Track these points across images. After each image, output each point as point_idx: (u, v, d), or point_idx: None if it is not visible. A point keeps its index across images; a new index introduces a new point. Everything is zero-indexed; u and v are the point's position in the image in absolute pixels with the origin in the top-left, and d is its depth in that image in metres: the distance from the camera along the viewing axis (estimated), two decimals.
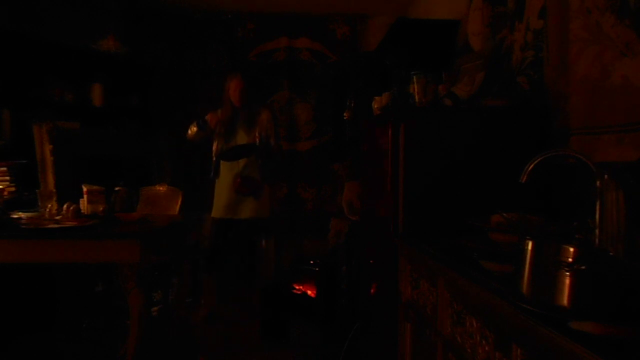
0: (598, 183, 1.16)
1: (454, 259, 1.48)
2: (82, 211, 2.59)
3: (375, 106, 2.44)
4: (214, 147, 3.57)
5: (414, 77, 2.07)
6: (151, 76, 4.38)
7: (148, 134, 4.31)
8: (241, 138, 3.50)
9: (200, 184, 4.03)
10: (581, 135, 1.81)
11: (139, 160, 4.15)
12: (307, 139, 4.70)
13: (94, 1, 4.09)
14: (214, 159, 3.57)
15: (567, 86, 1.89)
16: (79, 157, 3.38)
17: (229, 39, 4.61)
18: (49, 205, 2.64)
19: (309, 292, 3.70)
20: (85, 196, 2.63)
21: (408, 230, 1.98)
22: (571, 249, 1.01)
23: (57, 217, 2.54)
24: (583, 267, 0.98)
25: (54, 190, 2.95)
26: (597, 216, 1.15)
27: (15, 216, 2.55)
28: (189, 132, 3.49)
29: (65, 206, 2.55)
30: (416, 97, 2.06)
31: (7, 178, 3.04)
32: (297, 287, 3.78)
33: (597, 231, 1.15)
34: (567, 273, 1.00)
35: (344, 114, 3.81)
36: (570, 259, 1.00)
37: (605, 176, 1.15)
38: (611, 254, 1.11)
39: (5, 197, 2.91)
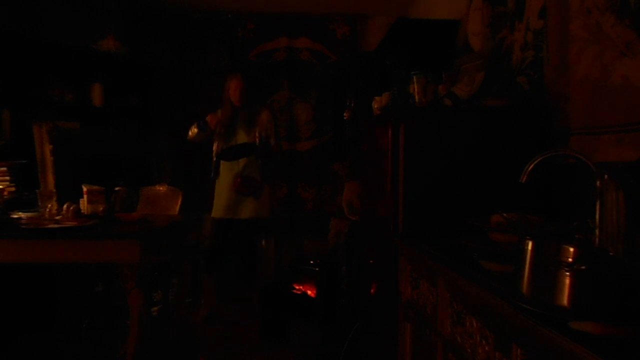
0: (598, 183, 1.16)
1: (454, 259, 1.48)
2: (82, 211, 2.59)
3: (375, 106, 2.44)
4: (214, 147, 3.57)
5: (414, 77, 2.07)
6: (151, 76, 4.38)
7: (148, 134, 4.31)
8: (241, 138, 3.51)
9: (200, 184, 4.03)
10: (581, 135, 1.81)
11: (139, 160, 4.15)
12: (307, 139, 4.70)
13: (94, 1, 4.09)
14: (214, 159, 3.57)
15: (567, 86, 1.89)
16: (79, 157, 3.38)
17: (229, 39, 4.61)
18: (49, 205, 2.64)
19: (309, 292, 3.70)
20: (85, 196, 2.63)
21: (408, 230, 1.98)
22: (571, 249, 1.01)
23: (57, 217, 2.54)
24: (583, 267, 0.98)
25: (54, 190, 2.95)
26: (597, 216, 1.15)
27: (15, 216, 2.55)
28: (190, 133, 3.51)
29: (65, 206, 2.55)
30: (416, 97, 2.06)
31: (7, 178, 3.04)
32: (297, 287, 3.78)
33: (597, 231, 1.15)
34: (567, 273, 1.00)
35: (344, 114, 3.81)
36: (570, 259, 1.00)
37: (605, 176, 1.15)
38: (611, 254, 1.11)
39: (5, 197, 2.91)
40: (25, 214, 2.60)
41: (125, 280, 2.33)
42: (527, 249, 1.12)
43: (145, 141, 4.27)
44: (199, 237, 3.72)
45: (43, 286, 3.23)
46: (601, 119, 1.70)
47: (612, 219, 1.13)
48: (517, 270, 1.14)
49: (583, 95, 1.80)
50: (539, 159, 1.25)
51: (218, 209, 3.55)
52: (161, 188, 3.51)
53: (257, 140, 3.48)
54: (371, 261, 2.48)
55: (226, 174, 3.51)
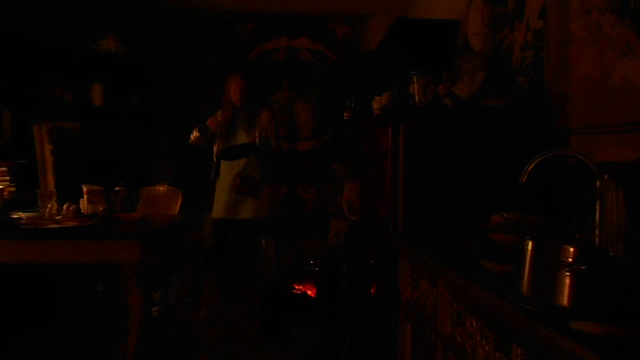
0: (598, 183, 1.16)
1: (454, 259, 1.48)
2: (82, 211, 2.59)
3: (375, 106, 2.44)
4: (215, 148, 3.58)
5: (414, 77, 2.07)
6: (151, 76, 4.38)
7: (148, 134, 4.31)
8: (241, 138, 3.51)
9: (200, 184, 4.03)
10: (581, 135, 1.81)
11: (139, 160, 4.15)
12: (307, 139, 4.70)
13: (94, 1, 4.09)
14: (215, 159, 3.58)
15: (567, 86, 1.89)
16: (79, 157, 3.38)
17: (229, 39, 4.61)
18: (49, 205, 2.63)
19: (309, 292, 3.70)
20: (85, 196, 2.63)
21: (408, 230, 1.98)
22: (571, 249, 1.01)
23: (57, 217, 2.53)
24: (583, 267, 0.98)
25: (54, 190, 2.95)
26: (597, 216, 1.15)
27: (15, 216, 2.55)
28: (191, 137, 3.54)
29: (65, 206, 2.54)
30: (416, 97, 2.06)
31: (7, 178, 3.04)
32: (297, 287, 3.78)
33: (597, 231, 1.15)
34: (567, 273, 1.00)
35: (344, 114, 3.81)
36: (570, 259, 1.00)
37: (605, 176, 1.15)
38: (611, 254, 1.11)
39: (5, 197, 2.91)
40: (25, 214, 2.59)
41: (125, 280, 2.33)
42: (527, 249, 1.12)
43: (145, 141, 4.27)
44: (199, 237, 3.72)
45: (43, 286, 3.23)
46: (601, 119, 1.70)
47: (612, 219, 1.13)
48: (517, 270, 1.14)
49: (583, 95, 1.80)
50: (539, 159, 1.25)
51: (218, 210, 3.55)
52: (161, 188, 3.50)
53: (257, 140, 3.49)
54: (371, 261, 2.48)
55: (226, 174, 3.52)
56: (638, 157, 1.49)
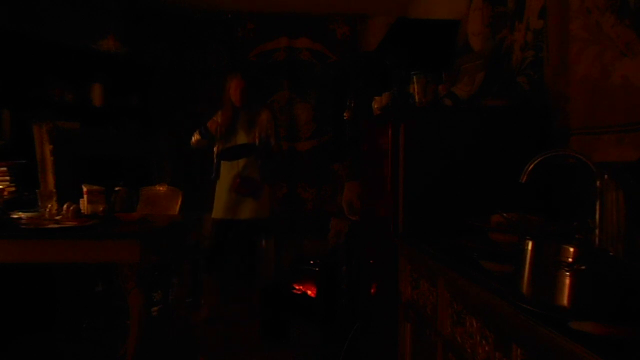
0: (598, 183, 1.16)
1: (454, 259, 1.48)
2: (82, 211, 2.59)
3: (375, 106, 2.44)
4: (215, 149, 3.58)
5: (414, 77, 2.07)
6: (151, 76, 4.38)
7: (148, 134, 4.31)
8: (241, 138, 3.51)
9: (200, 184, 4.03)
10: (581, 135, 1.81)
11: (139, 160, 4.15)
12: (307, 139, 4.70)
13: (94, 1, 4.09)
14: (215, 160, 3.58)
15: (567, 86, 1.89)
16: (79, 157, 3.38)
17: (229, 39, 4.61)
18: (49, 205, 2.63)
19: (309, 292, 3.70)
20: (85, 196, 2.63)
21: (408, 230, 1.98)
22: (571, 249, 1.01)
23: (57, 217, 2.53)
24: (583, 267, 0.98)
25: (54, 190, 2.95)
26: (597, 216, 1.15)
27: (15, 216, 2.55)
28: (193, 140, 3.55)
29: (65, 206, 2.54)
30: (416, 97, 2.06)
31: (7, 178, 3.04)
32: (297, 287, 3.78)
33: (597, 231, 1.15)
34: (567, 273, 1.00)
35: (344, 114, 3.81)
36: (570, 259, 1.00)
37: (605, 176, 1.15)
38: (611, 254, 1.11)
39: (5, 197, 2.91)
40: (25, 214, 2.59)
41: (125, 280, 2.33)
42: (527, 249, 1.12)
43: (145, 141, 4.27)
44: (199, 237, 3.73)
45: (43, 286, 3.23)
46: (601, 119, 1.70)
47: (612, 219, 1.13)
48: (517, 270, 1.14)
49: (583, 95, 1.80)
50: (539, 159, 1.25)
51: (218, 210, 3.55)
52: (161, 188, 3.51)
53: (257, 140, 3.49)
54: (371, 261, 2.48)
55: (226, 175, 3.52)
56: (638, 157, 1.49)
